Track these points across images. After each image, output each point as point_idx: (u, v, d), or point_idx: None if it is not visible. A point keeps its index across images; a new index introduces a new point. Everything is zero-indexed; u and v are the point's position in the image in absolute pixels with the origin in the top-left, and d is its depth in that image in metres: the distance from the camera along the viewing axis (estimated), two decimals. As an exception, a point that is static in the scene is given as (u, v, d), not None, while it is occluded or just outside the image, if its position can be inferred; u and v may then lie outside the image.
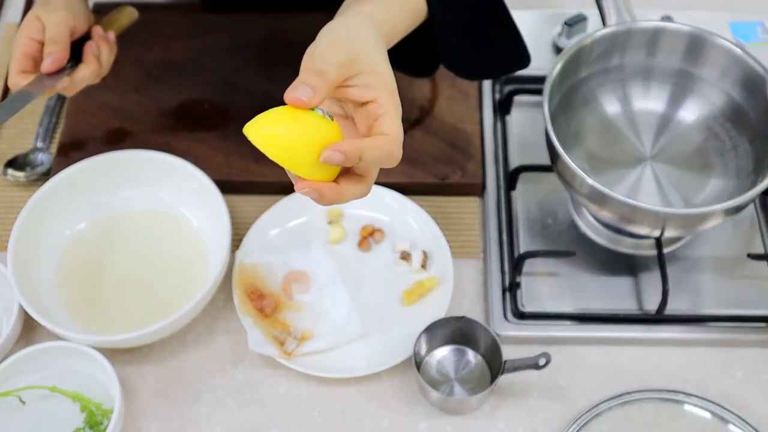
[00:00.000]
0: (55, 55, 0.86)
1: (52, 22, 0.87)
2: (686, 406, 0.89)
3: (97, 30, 0.92)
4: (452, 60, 0.88)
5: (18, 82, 0.87)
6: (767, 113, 0.92)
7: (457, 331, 0.91)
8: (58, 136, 1.10)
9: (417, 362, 0.88)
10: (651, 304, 0.94)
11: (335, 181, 0.63)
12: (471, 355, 0.92)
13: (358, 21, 0.70)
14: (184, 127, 1.08)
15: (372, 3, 0.73)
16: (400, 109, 0.65)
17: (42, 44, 0.88)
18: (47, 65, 0.86)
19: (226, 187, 0.99)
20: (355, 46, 0.65)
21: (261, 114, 0.60)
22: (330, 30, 0.68)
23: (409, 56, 0.85)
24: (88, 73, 0.90)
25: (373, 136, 0.63)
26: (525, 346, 0.93)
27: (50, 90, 0.87)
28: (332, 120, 0.61)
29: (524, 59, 0.93)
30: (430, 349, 0.91)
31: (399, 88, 1.14)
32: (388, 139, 0.62)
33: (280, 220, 1.00)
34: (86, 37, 0.92)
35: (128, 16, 1.01)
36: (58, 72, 0.87)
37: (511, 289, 0.95)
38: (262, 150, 0.60)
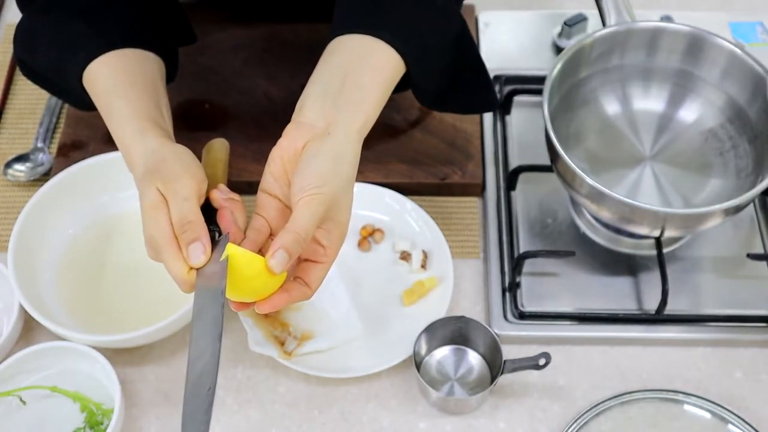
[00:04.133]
0: (200, 243, 0.66)
1: (179, 196, 0.68)
2: (686, 406, 0.89)
3: (219, 192, 0.72)
4: (426, 101, 0.92)
5: (192, 279, 0.66)
6: (767, 113, 0.93)
7: (457, 331, 0.91)
8: (58, 136, 1.09)
9: (417, 362, 0.89)
10: (651, 304, 0.94)
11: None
12: (471, 355, 0.92)
13: (350, 150, 0.71)
14: (184, 127, 1.07)
15: (366, 110, 0.74)
16: (336, 256, 0.71)
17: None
18: (197, 259, 0.65)
19: (229, 186, 0.98)
20: (336, 193, 0.68)
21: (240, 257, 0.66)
22: (321, 171, 0.68)
23: None
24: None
25: (298, 284, 0.69)
26: (525, 346, 0.93)
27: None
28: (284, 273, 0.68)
29: (493, 104, 0.99)
30: (430, 349, 0.91)
31: (398, 88, 1.12)
32: (307, 292, 0.69)
33: (280, 220, 1.00)
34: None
35: (224, 149, 0.82)
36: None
37: (511, 289, 0.95)
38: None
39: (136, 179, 0.74)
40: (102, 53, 0.81)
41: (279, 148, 0.71)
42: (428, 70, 0.83)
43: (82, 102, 0.85)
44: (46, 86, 0.96)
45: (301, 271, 0.70)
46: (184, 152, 0.74)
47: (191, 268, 0.66)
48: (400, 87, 0.83)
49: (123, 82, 0.81)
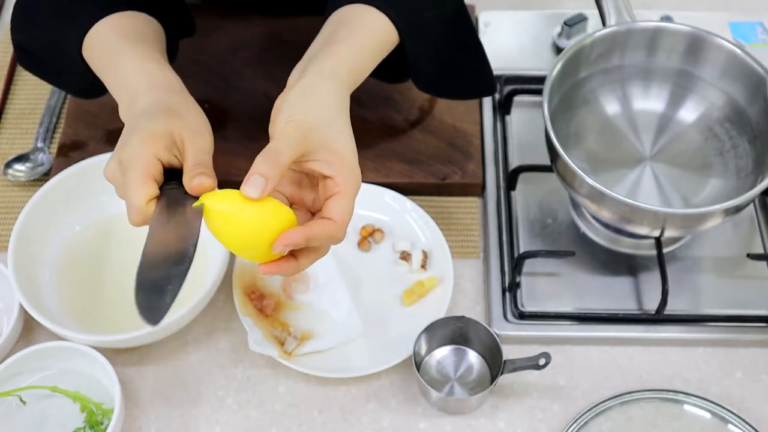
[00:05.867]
0: (207, 178, 0.66)
1: (199, 148, 0.69)
2: (686, 406, 0.89)
3: None
4: (423, 84, 0.91)
5: (147, 211, 0.66)
6: (767, 113, 0.93)
7: (457, 331, 0.91)
8: (58, 136, 1.09)
9: (417, 362, 0.89)
10: (651, 304, 0.95)
11: (293, 255, 0.67)
12: (471, 355, 0.92)
13: (321, 85, 0.71)
14: (184, 127, 1.08)
15: (338, 53, 0.74)
16: (358, 185, 0.69)
17: (163, 165, 0.69)
18: (201, 185, 0.66)
19: (226, 187, 0.98)
20: (311, 120, 0.67)
21: (218, 196, 0.64)
22: (290, 104, 0.69)
23: (382, 65, 0.83)
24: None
25: (319, 219, 0.67)
26: (525, 346, 0.93)
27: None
28: (283, 204, 0.66)
29: (491, 87, 0.97)
30: (430, 349, 0.91)
31: (398, 88, 1.14)
32: (332, 225, 0.66)
33: (280, 220, 1.00)
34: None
35: None
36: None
37: (511, 289, 0.95)
38: (217, 237, 0.65)
39: (140, 97, 0.72)
40: (104, 15, 0.80)
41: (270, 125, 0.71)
42: (422, 42, 0.82)
43: (81, 84, 0.83)
44: (44, 72, 0.94)
45: (321, 211, 0.67)
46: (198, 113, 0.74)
47: (150, 200, 0.65)
48: (400, 76, 0.82)
49: (128, 37, 0.78)
